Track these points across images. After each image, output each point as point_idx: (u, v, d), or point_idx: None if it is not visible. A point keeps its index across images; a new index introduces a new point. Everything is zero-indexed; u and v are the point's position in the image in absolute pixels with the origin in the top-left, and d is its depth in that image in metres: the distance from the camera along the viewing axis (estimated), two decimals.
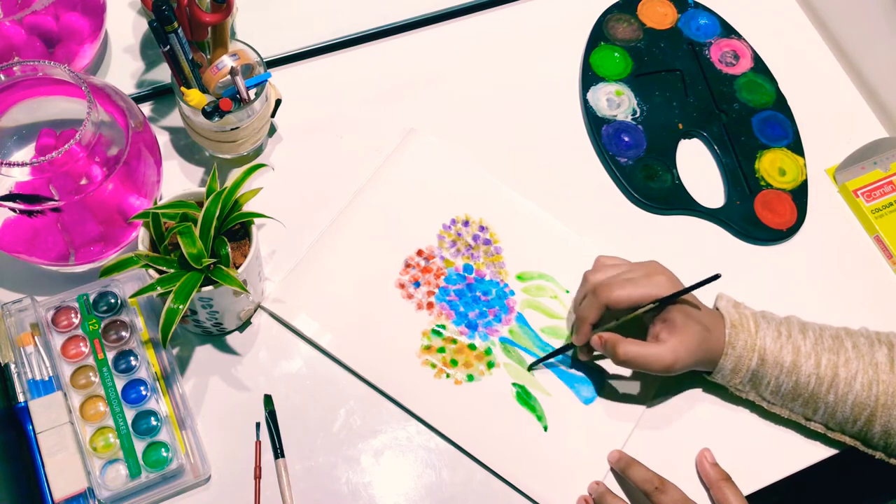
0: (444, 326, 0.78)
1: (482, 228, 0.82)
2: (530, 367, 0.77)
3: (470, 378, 0.76)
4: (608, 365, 0.78)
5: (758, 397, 0.74)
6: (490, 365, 0.76)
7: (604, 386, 0.77)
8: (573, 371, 0.77)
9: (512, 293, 0.80)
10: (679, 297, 0.71)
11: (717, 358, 0.72)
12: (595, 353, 0.75)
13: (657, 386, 0.77)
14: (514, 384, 0.76)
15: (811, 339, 0.72)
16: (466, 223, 0.83)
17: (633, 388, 0.77)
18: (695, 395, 0.78)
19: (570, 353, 0.78)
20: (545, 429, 0.75)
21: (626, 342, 0.70)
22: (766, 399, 0.74)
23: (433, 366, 0.76)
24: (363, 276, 0.79)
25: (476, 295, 0.79)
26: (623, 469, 0.72)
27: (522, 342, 0.78)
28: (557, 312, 0.80)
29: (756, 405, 0.75)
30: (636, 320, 0.72)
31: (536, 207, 0.84)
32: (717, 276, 0.71)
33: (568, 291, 0.80)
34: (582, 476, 0.73)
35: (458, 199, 0.83)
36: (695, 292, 0.72)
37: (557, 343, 0.78)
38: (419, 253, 0.81)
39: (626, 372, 0.77)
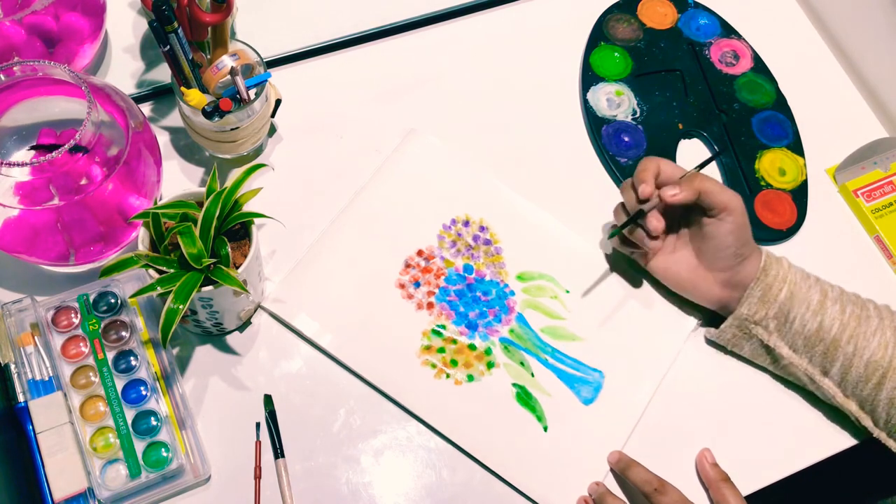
0: (444, 326, 0.78)
1: (482, 229, 0.82)
2: (612, 234, 0.77)
3: (470, 378, 0.76)
4: (608, 365, 0.78)
5: (779, 340, 0.73)
6: (490, 365, 0.76)
7: (604, 387, 0.77)
8: (573, 372, 0.77)
9: (512, 293, 0.80)
10: (714, 158, 0.75)
11: (747, 282, 0.73)
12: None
13: (657, 387, 0.77)
14: (514, 384, 0.76)
15: (837, 290, 0.74)
16: (467, 223, 0.83)
17: (633, 389, 0.77)
18: (694, 396, 0.78)
19: (566, 364, 0.78)
20: (545, 429, 0.75)
21: (700, 177, 0.72)
22: (788, 341, 0.73)
23: (433, 366, 0.76)
24: (363, 276, 0.79)
25: (476, 295, 0.79)
26: (623, 470, 0.72)
27: (523, 342, 0.78)
28: (558, 313, 0.80)
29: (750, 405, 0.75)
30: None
31: (537, 208, 0.84)
32: (721, 152, 0.75)
33: (568, 291, 0.80)
34: (582, 476, 0.73)
35: (458, 199, 0.83)
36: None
37: (558, 343, 0.78)
38: (419, 253, 0.81)
39: (626, 373, 0.77)
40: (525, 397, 0.76)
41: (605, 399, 0.76)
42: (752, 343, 0.76)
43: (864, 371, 0.71)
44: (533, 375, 0.77)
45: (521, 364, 0.77)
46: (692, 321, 0.80)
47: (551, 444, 0.74)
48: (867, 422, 0.73)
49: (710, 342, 0.79)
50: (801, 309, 0.72)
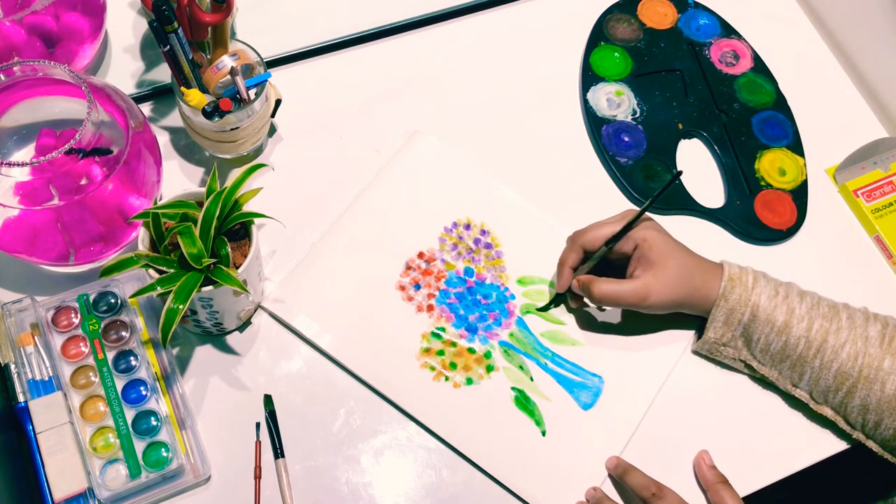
0: (443, 329, 0.77)
1: (483, 232, 0.82)
2: (539, 309, 0.79)
3: (469, 381, 0.76)
4: (608, 371, 0.78)
5: (748, 355, 0.75)
6: (489, 369, 0.76)
7: (603, 392, 0.77)
8: (573, 377, 0.77)
9: (512, 297, 0.80)
10: (643, 212, 0.74)
11: (707, 306, 0.74)
12: (584, 299, 0.78)
13: (656, 393, 0.77)
14: (512, 388, 0.76)
15: (807, 304, 0.73)
16: (468, 226, 0.82)
17: (633, 394, 0.77)
18: (694, 399, 0.78)
19: (567, 365, 0.78)
20: (543, 433, 0.74)
21: (600, 280, 0.73)
22: (756, 358, 0.75)
23: (432, 368, 0.76)
24: (363, 277, 0.79)
25: (476, 298, 0.79)
26: (621, 475, 0.72)
27: (522, 346, 0.78)
28: (558, 317, 0.79)
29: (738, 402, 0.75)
30: (620, 269, 0.75)
31: (538, 212, 0.84)
32: (678, 174, 0.74)
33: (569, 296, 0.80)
34: (579, 481, 0.73)
35: (459, 202, 0.83)
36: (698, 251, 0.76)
37: (558, 348, 0.78)
38: (420, 255, 0.81)
39: (626, 379, 0.77)
40: (524, 401, 0.76)
41: (605, 404, 0.76)
42: (726, 357, 0.77)
43: (834, 382, 0.72)
44: (532, 380, 0.76)
45: (521, 368, 0.77)
46: (692, 328, 0.80)
47: (549, 449, 0.74)
48: (844, 426, 0.74)
49: (694, 352, 0.79)
50: (766, 329, 0.73)
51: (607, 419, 0.75)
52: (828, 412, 0.74)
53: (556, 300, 0.80)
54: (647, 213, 0.76)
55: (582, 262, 0.76)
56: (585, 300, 0.78)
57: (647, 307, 0.73)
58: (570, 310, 0.80)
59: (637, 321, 0.79)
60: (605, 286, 0.73)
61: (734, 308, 0.73)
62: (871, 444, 0.73)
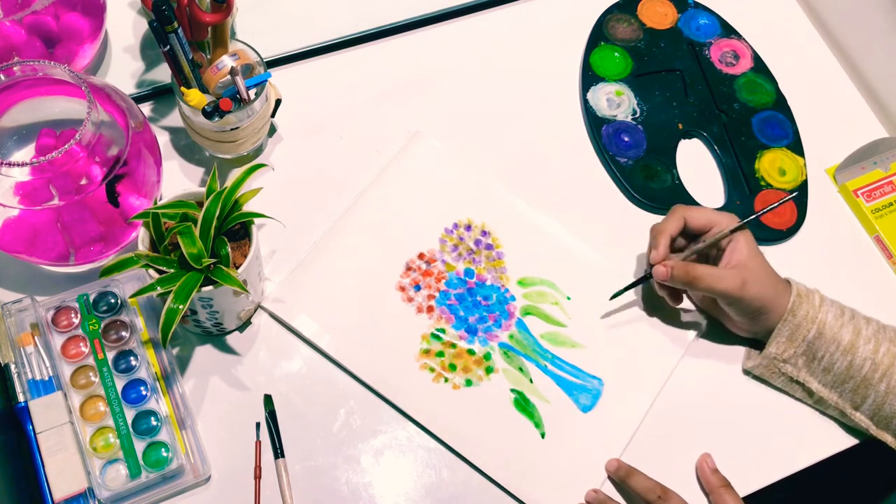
0: (443, 330, 0.77)
1: (484, 233, 0.82)
2: (613, 296, 0.78)
3: (468, 383, 0.76)
4: (608, 373, 0.77)
5: (808, 375, 0.73)
6: (489, 370, 0.76)
7: (603, 394, 0.76)
8: (572, 379, 0.77)
9: (513, 298, 0.80)
10: (749, 222, 0.74)
11: (775, 318, 0.73)
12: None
13: (656, 396, 0.77)
14: (512, 390, 0.76)
15: (874, 327, 0.72)
16: (469, 227, 0.82)
17: (632, 397, 0.76)
18: (693, 400, 0.77)
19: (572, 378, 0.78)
20: (542, 436, 0.74)
21: (694, 265, 0.72)
22: (817, 377, 0.73)
23: (431, 370, 0.76)
24: (364, 277, 0.79)
25: (476, 299, 0.79)
26: (623, 478, 0.72)
27: (522, 348, 0.78)
28: (558, 319, 0.79)
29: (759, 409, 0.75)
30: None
31: (539, 213, 0.83)
32: (793, 192, 0.74)
33: (569, 298, 0.80)
34: (579, 484, 0.73)
35: (460, 203, 0.83)
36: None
37: (558, 350, 0.78)
38: (420, 256, 0.80)
39: (626, 381, 0.77)
40: (523, 403, 0.75)
41: (604, 407, 0.76)
42: (782, 377, 0.76)
43: None
44: (532, 381, 0.76)
45: (520, 370, 0.77)
46: (692, 330, 0.80)
47: (549, 451, 0.74)
48: None
49: (745, 371, 0.78)
50: (831, 348, 0.71)
51: (606, 422, 0.75)
52: (889, 438, 0.73)
53: (640, 280, 0.78)
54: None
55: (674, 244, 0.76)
56: (665, 288, 0.76)
57: (741, 297, 0.71)
58: (640, 282, 0.79)
59: (637, 323, 0.79)
60: (704, 268, 0.72)
61: (801, 324, 0.72)
62: None
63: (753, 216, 0.75)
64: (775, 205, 0.75)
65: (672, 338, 0.79)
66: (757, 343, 0.78)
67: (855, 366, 0.71)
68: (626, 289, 0.78)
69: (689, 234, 0.77)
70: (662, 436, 0.76)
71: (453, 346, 0.77)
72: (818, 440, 0.77)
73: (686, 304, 0.80)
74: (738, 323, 0.76)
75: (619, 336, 0.79)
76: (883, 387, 0.70)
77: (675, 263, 0.73)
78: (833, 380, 0.73)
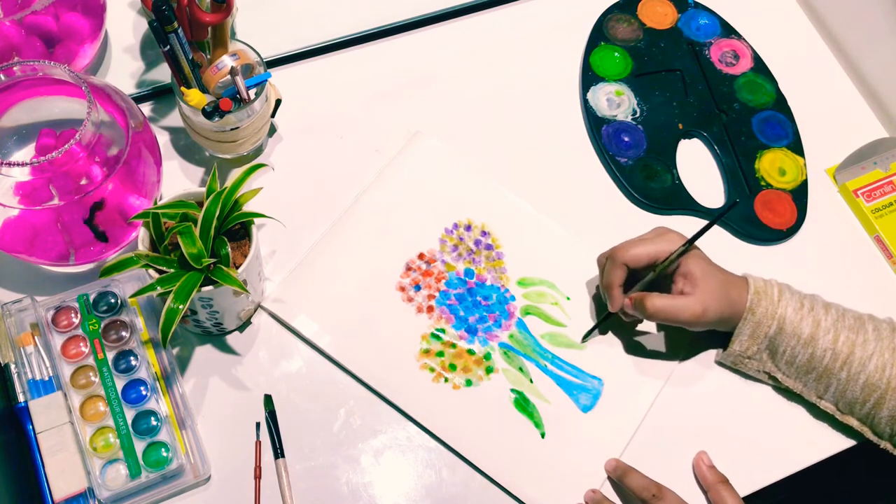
0: (443, 330, 0.77)
1: (484, 233, 0.82)
2: (584, 339, 0.78)
3: (468, 383, 0.76)
4: (607, 373, 0.77)
5: (773, 367, 0.75)
6: (489, 370, 0.76)
7: (603, 394, 0.76)
8: (572, 379, 0.77)
9: (512, 298, 0.80)
10: (695, 240, 0.73)
11: (736, 320, 0.73)
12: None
13: (656, 396, 0.77)
14: (512, 390, 0.76)
15: (833, 315, 0.73)
16: (468, 228, 0.82)
17: (632, 397, 0.76)
18: (693, 401, 0.77)
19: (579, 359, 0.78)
20: (542, 436, 0.74)
21: (654, 296, 0.72)
22: (781, 370, 0.75)
23: (431, 370, 0.76)
24: (364, 278, 0.79)
25: (476, 299, 0.79)
26: (620, 477, 0.72)
27: (522, 348, 0.78)
28: (558, 319, 0.79)
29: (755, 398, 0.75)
30: (659, 289, 0.74)
31: (539, 213, 0.83)
32: (735, 203, 0.74)
33: (569, 298, 0.80)
34: (578, 484, 0.73)
35: (460, 203, 0.83)
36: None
37: (558, 350, 0.78)
38: (420, 256, 0.80)
39: (625, 382, 0.77)
40: (523, 403, 0.75)
41: (604, 407, 0.76)
42: (750, 368, 0.77)
43: (861, 393, 0.72)
44: (532, 382, 0.76)
45: (520, 370, 0.77)
46: (689, 335, 0.79)
47: (549, 451, 0.74)
48: (871, 436, 0.74)
49: (717, 363, 0.79)
50: (792, 342, 0.72)
51: (606, 422, 0.75)
52: (854, 423, 0.74)
53: (603, 324, 0.78)
54: (671, 228, 0.75)
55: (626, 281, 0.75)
56: (633, 317, 0.76)
57: (704, 323, 0.72)
58: (607, 325, 0.79)
59: (637, 324, 0.79)
60: (661, 301, 0.72)
61: (761, 321, 0.72)
62: None
63: (691, 238, 0.73)
64: (705, 227, 0.73)
65: (672, 338, 0.79)
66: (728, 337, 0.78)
67: (816, 357, 0.72)
68: (592, 330, 0.78)
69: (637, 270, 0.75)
70: (662, 436, 0.76)
71: (453, 346, 0.77)
72: (818, 440, 0.77)
73: None
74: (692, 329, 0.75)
75: (619, 336, 0.79)
76: (844, 375, 0.72)
77: (635, 296, 0.73)
78: (796, 371, 0.74)
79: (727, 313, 0.73)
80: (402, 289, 0.79)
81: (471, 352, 0.77)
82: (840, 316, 0.73)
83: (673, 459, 0.75)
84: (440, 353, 0.76)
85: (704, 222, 0.85)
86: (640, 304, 0.73)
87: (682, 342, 0.79)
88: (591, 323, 0.79)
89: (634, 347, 0.79)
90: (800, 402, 0.77)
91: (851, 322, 0.73)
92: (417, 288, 0.79)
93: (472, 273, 0.80)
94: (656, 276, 0.74)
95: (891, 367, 0.71)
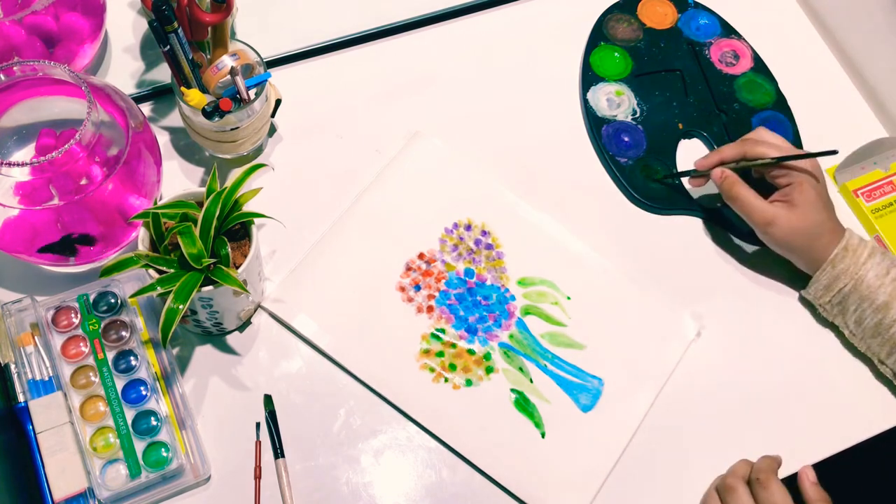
0: (443, 330, 0.77)
1: (484, 233, 0.82)
2: (664, 178, 0.83)
3: (468, 383, 0.76)
4: (608, 373, 0.77)
5: (842, 322, 0.77)
6: (489, 370, 0.76)
7: (603, 394, 0.76)
8: (573, 378, 0.77)
9: (513, 298, 0.80)
10: (809, 156, 0.76)
11: (816, 263, 0.76)
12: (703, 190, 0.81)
13: (656, 395, 0.76)
14: (512, 390, 0.76)
15: None
16: (469, 227, 0.82)
17: (632, 397, 0.76)
18: (694, 400, 0.77)
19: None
20: (543, 436, 0.74)
21: (743, 185, 0.76)
22: (849, 328, 0.77)
23: (431, 370, 0.76)
24: (364, 277, 0.79)
25: (476, 299, 0.79)
26: (728, 187, 0.77)
27: (522, 348, 0.77)
28: (558, 319, 0.79)
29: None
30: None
31: (539, 213, 0.83)
32: (833, 152, 0.77)
33: (569, 298, 0.80)
34: (579, 483, 0.73)
35: (460, 203, 0.83)
36: None
37: (558, 350, 0.78)
38: (420, 256, 0.80)
39: (626, 381, 0.77)
40: (523, 403, 0.75)
41: (604, 407, 0.76)
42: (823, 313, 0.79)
43: None
44: (532, 381, 0.76)
45: (520, 370, 0.77)
46: (693, 331, 0.80)
47: (549, 451, 0.74)
48: None
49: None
50: (864, 305, 0.74)
51: (607, 422, 0.75)
52: None
53: (680, 175, 0.83)
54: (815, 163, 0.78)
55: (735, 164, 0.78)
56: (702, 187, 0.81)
57: (766, 233, 0.76)
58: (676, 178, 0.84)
59: (637, 323, 0.79)
60: (744, 191, 0.76)
61: (839, 276, 0.75)
62: None
63: (821, 153, 0.77)
64: (824, 152, 0.77)
65: (672, 337, 0.79)
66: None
67: (884, 325, 0.74)
68: (673, 175, 0.84)
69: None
70: (662, 436, 0.76)
71: (453, 346, 0.77)
72: (818, 440, 0.77)
73: (682, 302, 0.80)
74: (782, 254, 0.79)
75: (619, 336, 0.79)
76: None
77: (729, 174, 0.77)
78: (863, 332, 0.76)
79: (805, 247, 0.75)
80: (402, 289, 0.79)
81: (471, 352, 0.77)
82: None
83: (673, 459, 0.75)
84: (440, 353, 0.76)
85: (704, 223, 0.86)
86: (728, 183, 0.76)
87: (683, 341, 0.79)
88: (591, 321, 0.79)
89: (635, 347, 0.79)
90: (801, 401, 0.77)
91: None
92: (417, 288, 0.79)
93: (472, 273, 0.80)
94: (758, 166, 0.77)
95: None
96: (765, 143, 0.78)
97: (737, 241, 0.85)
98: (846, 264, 0.74)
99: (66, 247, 0.70)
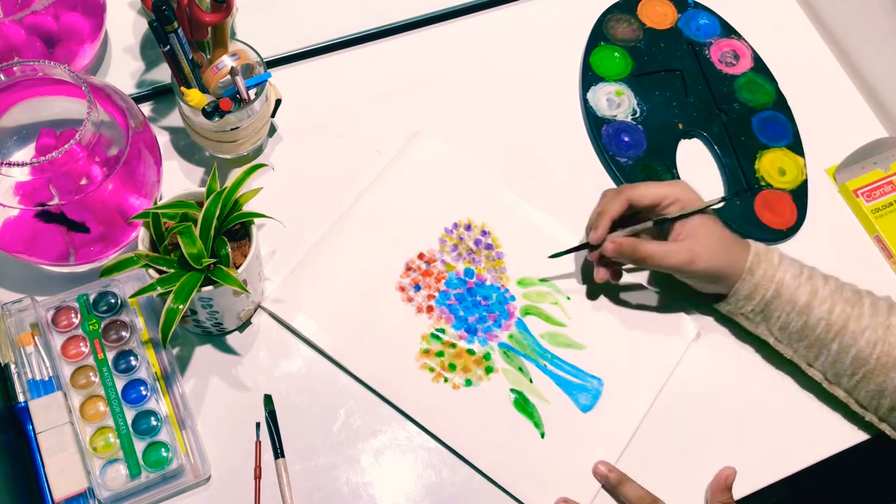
0: (443, 330, 0.77)
1: (484, 233, 0.82)
2: (551, 256, 0.79)
3: (468, 383, 0.76)
4: (607, 373, 0.77)
5: (766, 331, 0.75)
6: (488, 370, 0.76)
7: (602, 395, 0.76)
8: (572, 379, 0.77)
9: (512, 298, 0.80)
10: (704, 209, 0.74)
11: (734, 280, 0.73)
12: (603, 269, 0.77)
13: (656, 396, 0.77)
14: (512, 390, 0.76)
15: (831, 286, 0.73)
16: (469, 227, 0.82)
17: (632, 397, 0.76)
18: (693, 401, 0.77)
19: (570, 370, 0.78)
20: (542, 436, 0.74)
21: (641, 241, 0.73)
22: (774, 335, 0.75)
23: (431, 370, 0.76)
24: (364, 277, 0.79)
25: (476, 299, 0.79)
26: (615, 487, 0.71)
27: (522, 348, 0.77)
28: (558, 319, 0.79)
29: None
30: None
31: (539, 213, 0.83)
32: (743, 190, 0.75)
33: (569, 298, 0.80)
34: (578, 484, 0.72)
35: (460, 203, 0.83)
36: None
37: (558, 350, 0.78)
38: (420, 256, 0.80)
39: (625, 382, 0.77)
40: (523, 403, 0.75)
41: (604, 407, 0.76)
42: (743, 323, 0.77)
43: (850, 366, 0.72)
44: (531, 381, 0.76)
45: (520, 370, 0.77)
46: (693, 331, 0.80)
47: (548, 451, 0.74)
48: (855, 408, 0.75)
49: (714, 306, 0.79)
50: (787, 308, 0.73)
51: (606, 422, 0.75)
52: (840, 393, 0.74)
53: (580, 247, 0.78)
54: (690, 186, 0.76)
55: (620, 223, 0.76)
56: (608, 268, 0.77)
57: (691, 271, 0.73)
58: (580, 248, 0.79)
59: (637, 324, 0.79)
60: (647, 246, 0.73)
61: (759, 283, 0.73)
62: (884, 426, 0.74)
63: (708, 205, 0.74)
64: (730, 196, 0.75)
65: (672, 338, 0.79)
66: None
67: (809, 326, 0.73)
68: (565, 252, 0.79)
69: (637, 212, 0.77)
70: (662, 436, 0.76)
71: (453, 345, 0.77)
72: (818, 440, 0.77)
73: (683, 310, 0.80)
74: (696, 287, 0.77)
75: (619, 336, 0.79)
76: (835, 346, 0.72)
77: (622, 240, 0.74)
78: (789, 337, 0.74)
79: (723, 270, 0.73)
80: (402, 289, 0.79)
81: (470, 352, 0.77)
82: (838, 288, 0.73)
83: (672, 460, 0.75)
84: (440, 353, 0.76)
85: None
86: (629, 248, 0.73)
87: (683, 342, 0.79)
88: (591, 322, 0.79)
89: (635, 347, 0.79)
90: (802, 402, 0.77)
91: (849, 295, 0.73)
92: (417, 288, 0.79)
93: (472, 273, 0.80)
94: (647, 227, 0.75)
95: (882, 344, 0.71)
96: (636, 184, 0.75)
97: None
98: (763, 269, 0.73)
99: (63, 220, 0.69)
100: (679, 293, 0.80)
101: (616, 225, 0.76)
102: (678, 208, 0.74)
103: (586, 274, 0.81)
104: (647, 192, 0.74)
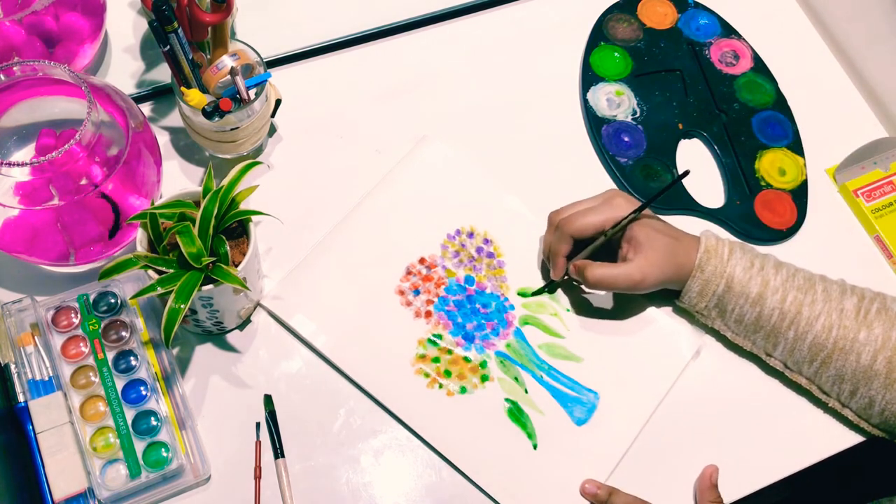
0: (440, 336, 0.77)
1: (486, 241, 0.82)
2: (530, 293, 0.79)
3: (463, 390, 0.75)
4: (604, 387, 0.76)
5: (723, 325, 0.76)
6: (484, 378, 0.76)
7: (598, 408, 0.75)
8: (568, 391, 0.76)
9: (512, 308, 0.79)
10: (639, 212, 0.74)
11: (685, 278, 0.74)
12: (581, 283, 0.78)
13: (651, 413, 0.76)
14: (506, 399, 0.75)
15: (783, 275, 0.74)
16: (471, 234, 0.82)
17: (627, 412, 0.76)
18: (689, 413, 0.77)
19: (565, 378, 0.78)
20: (535, 447, 0.74)
21: (595, 265, 0.74)
22: (731, 328, 0.76)
23: (426, 375, 0.75)
24: (363, 280, 0.78)
25: (475, 307, 0.79)
26: (605, 501, 0.71)
27: (519, 358, 0.77)
28: (557, 330, 0.79)
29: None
30: (610, 248, 0.76)
31: (543, 223, 0.83)
32: (685, 174, 0.74)
33: (568, 310, 0.80)
34: (568, 496, 0.72)
35: (464, 209, 0.83)
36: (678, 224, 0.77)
37: (555, 361, 0.77)
38: (421, 261, 0.80)
39: (622, 396, 0.76)
40: (517, 413, 0.75)
41: (598, 421, 0.75)
42: (701, 319, 0.78)
43: (808, 353, 0.73)
44: (527, 392, 0.76)
45: (516, 379, 0.76)
46: (691, 350, 0.79)
47: (539, 463, 0.73)
48: (818, 394, 0.75)
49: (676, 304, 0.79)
50: (740, 301, 0.73)
51: (600, 436, 0.74)
52: (802, 381, 0.75)
53: (551, 287, 0.80)
54: (621, 192, 0.77)
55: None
56: (581, 285, 0.79)
57: (644, 289, 0.74)
58: (555, 287, 0.80)
59: (635, 339, 0.79)
60: (600, 271, 0.74)
61: (709, 279, 0.73)
62: (847, 412, 0.75)
63: (636, 210, 0.74)
64: (661, 192, 0.75)
65: (670, 355, 0.78)
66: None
67: (763, 317, 0.73)
68: (536, 293, 0.80)
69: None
70: (657, 449, 0.75)
71: (449, 352, 0.77)
72: (818, 440, 0.77)
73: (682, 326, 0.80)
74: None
75: (617, 350, 0.78)
76: (791, 334, 0.73)
77: (578, 263, 0.76)
78: (745, 329, 0.75)
79: (673, 277, 0.74)
80: (402, 292, 0.79)
81: (467, 359, 0.77)
82: (790, 276, 0.74)
83: (666, 473, 0.74)
84: (436, 359, 0.76)
85: (704, 223, 0.86)
86: (581, 273, 0.75)
87: (681, 360, 0.78)
88: (590, 334, 0.79)
89: (633, 363, 0.78)
90: (798, 406, 0.77)
91: (801, 282, 0.73)
92: (416, 292, 0.79)
93: (473, 280, 0.80)
94: (601, 244, 0.75)
95: (837, 328, 0.71)
96: (569, 214, 0.75)
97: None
98: (713, 265, 0.73)
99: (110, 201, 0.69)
100: (679, 307, 0.79)
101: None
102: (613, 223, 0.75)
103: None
104: (585, 224, 0.74)
